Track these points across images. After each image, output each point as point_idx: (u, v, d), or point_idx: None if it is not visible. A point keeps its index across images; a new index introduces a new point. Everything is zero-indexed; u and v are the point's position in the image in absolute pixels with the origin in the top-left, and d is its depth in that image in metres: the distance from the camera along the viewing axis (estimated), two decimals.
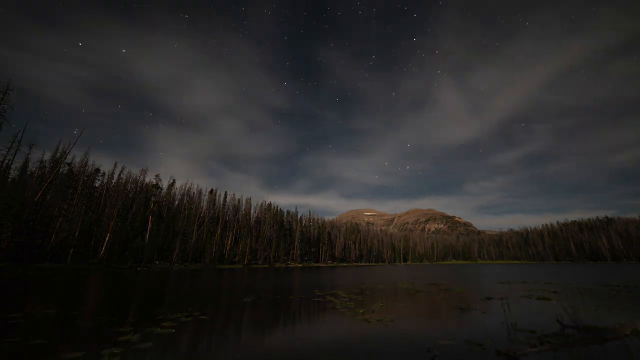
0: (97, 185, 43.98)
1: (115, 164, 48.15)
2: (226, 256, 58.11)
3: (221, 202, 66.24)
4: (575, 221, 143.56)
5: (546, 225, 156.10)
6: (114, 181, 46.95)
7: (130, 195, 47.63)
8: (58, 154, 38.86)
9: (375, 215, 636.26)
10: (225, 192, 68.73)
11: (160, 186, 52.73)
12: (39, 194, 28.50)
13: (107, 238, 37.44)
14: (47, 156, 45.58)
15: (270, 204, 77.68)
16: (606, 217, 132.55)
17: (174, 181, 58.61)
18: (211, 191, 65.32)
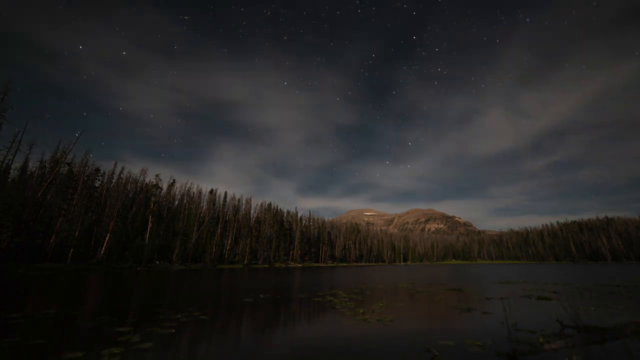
0: (97, 185, 43.98)
1: (115, 163, 48.16)
2: (226, 256, 58.11)
3: (221, 202, 66.25)
4: (575, 221, 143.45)
5: (546, 225, 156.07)
6: (114, 181, 46.96)
7: (130, 195, 47.63)
8: (58, 154, 38.85)
9: (375, 215, 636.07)
10: (225, 192, 68.76)
11: (160, 186, 52.73)
12: (40, 192, 28.52)
13: (107, 238, 37.44)
14: (47, 156, 45.63)
15: (270, 204, 77.68)
16: (606, 217, 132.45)
17: (174, 181, 58.61)
18: (211, 191, 65.33)
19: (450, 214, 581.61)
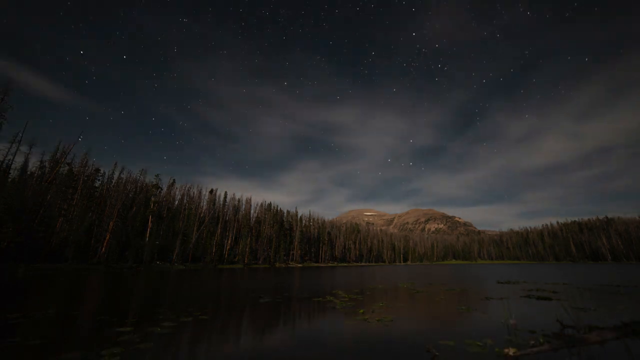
0: (97, 185, 43.97)
1: (115, 164, 48.15)
2: (226, 256, 58.10)
3: (221, 202, 66.23)
4: (575, 221, 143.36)
5: (546, 225, 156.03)
6: (114, 181, 46.96)
7: (131, 195, 47.61)
8: (58, 154, 38.85)
9: (375, 215, 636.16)
10: (225, 192, 68.76)
11: (160, 186, 52.73)
12: (40, 192, 28.51)
13: (107, 238, 37.43)
14: (47, 156, 45.61)
15: (270, 204, 77.68)
16: (606, 217, 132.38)
17: (174, 181, 58.61)
18: (211, 191, 65.32)
19: (450, 213, 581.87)
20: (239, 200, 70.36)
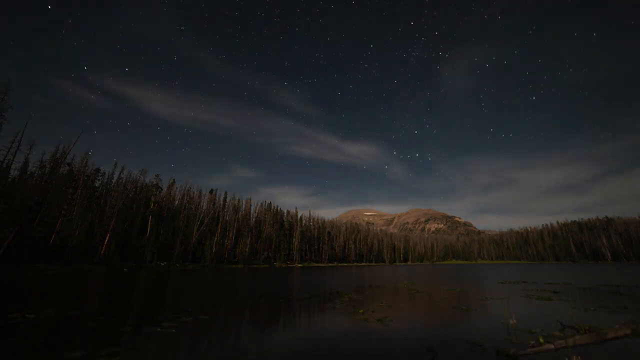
0: (97, 185, 43.96)
1: (115, 164, 48.16)
2: (226, 256, 58.09)
3: (221, 202, 66.21)
4: (575, 221, 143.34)
5: (546, 225, 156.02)
6: (114, 181, 46.96)
7: (131, 195, 47.60)
8: (58, 154, 38.84)
9: (375, 215, 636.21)
10: (225, 192, 68.72)
11: (161, 186, 52.72)
12: (40, 192, 28.51)
13: (107, 238, 37.43)
14: (47, 156, 45.62)
15: (270, 204, 77.65)
16: (606, 217, 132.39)
17: (174, 181, 58.61)
18: (211, 191, 65.33)
19: (450, 214, 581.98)
20: (239, 200, 70.34)
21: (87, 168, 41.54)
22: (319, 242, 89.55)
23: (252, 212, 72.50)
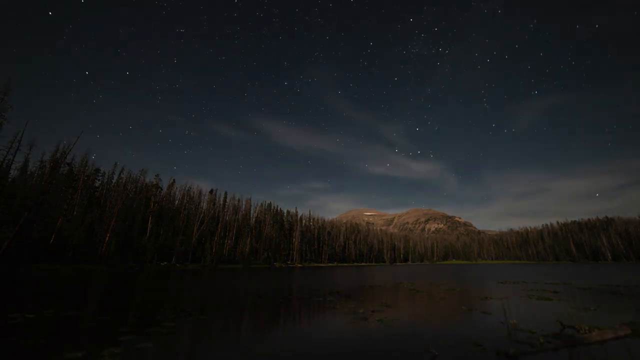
0: (97, 185, 43.96)
1: (115, 164, 48.16)
2: (226, 256, 58.08)
3: (221, 202, 66.20)
4: (575, 221, 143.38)
5: (546, 225, 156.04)
6: (114, 181, 46.96)
7: (131, 195, 47.60)
8: (58, 154, 38.84)
9: (375, 215, 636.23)
10: (225, 192, 68.72)
11: (161, 186, 52.73)
12: (40, 192, 28.51)
13: (107, 238, 37.43)
14: (47, 156, 45.62)
15: (270, 204, 77.67)
16: (606, 217, 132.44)
17: (174, 181, 58.61)
18: (211, 191, 65.33)
19: (450, 214, 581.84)
20: (239, 200, 70.35)
21: (87, 168, 41.55)
22: (319, 242, 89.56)
23: (252, 212, 72.54)
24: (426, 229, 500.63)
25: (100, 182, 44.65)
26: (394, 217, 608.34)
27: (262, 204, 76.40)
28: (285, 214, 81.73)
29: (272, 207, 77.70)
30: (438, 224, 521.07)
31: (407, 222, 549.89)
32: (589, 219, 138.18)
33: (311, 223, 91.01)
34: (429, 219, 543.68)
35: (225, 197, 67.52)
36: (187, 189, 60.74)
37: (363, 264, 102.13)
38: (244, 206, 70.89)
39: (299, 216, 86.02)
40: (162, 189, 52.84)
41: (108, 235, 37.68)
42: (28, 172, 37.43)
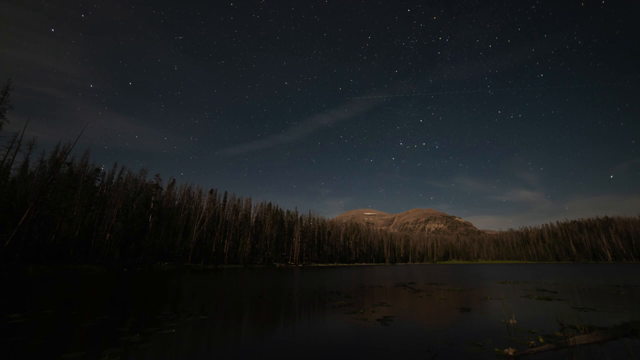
0: (97, 185, 43.95)
1: (115, 164, 48.16)
2: (226, 256, 58.11)
3: (221, 202, 66.21)
4: (575, 221, 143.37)
5: (546, 225, 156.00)
6: (114, 181, 46.96)
7: (131, 195, 47.61)
8: (58, 154, 38.85)
9: (375, 215, 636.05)
10: (225, 192, 68.71)
11: (161, 186, 52.73)
12: (40, 192, 28.52)
13: (107, 238, 37.44)
14: (47, 156, 45.65)
15: (270, 204, 77.64)
16: (606, 217, 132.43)
17: (174, 181, 58.64)
18: (211, 191, 65.31)
19: (450, 214, 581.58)
20: (239, 200, 70.35)
21: (87, 168, 41.55)
22: (319, 242, 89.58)
23: (252, 212, 72.56)
24: (426, 229, 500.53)
25: (100, 182, 44.65)
26: (394, 217, 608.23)
27: (262, 204, 76.42)
28: (285, 214, 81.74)
29: (272, 207, 77.71)
30: (438, 224, 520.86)
31: (407, 222, 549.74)
32: (589, 219, 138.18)
33: (311, 223, 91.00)
34: (429, 219, 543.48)
35: (225, 197, 67.53)
36: (187, 188, 60.77)
37: (363, 264, 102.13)
38: (244, 206, 70.93)
39: (299, 216, 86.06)
40: (162, 189, 52.83)
41: (108, 235, 37.68)
42: (28, 172, 37.43)
